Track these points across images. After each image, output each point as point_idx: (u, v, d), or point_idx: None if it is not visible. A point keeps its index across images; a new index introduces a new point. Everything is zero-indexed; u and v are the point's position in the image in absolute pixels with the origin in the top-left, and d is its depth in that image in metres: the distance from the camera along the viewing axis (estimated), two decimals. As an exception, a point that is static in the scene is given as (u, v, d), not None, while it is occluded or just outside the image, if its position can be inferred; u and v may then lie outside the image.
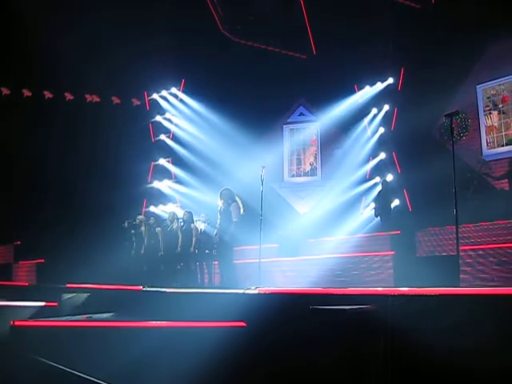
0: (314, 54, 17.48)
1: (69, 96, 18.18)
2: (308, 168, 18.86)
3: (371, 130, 16.86)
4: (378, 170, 16.33)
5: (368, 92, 17.03)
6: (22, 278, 15.69)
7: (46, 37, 14.73)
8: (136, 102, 19.20)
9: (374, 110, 16.87)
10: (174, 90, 18.95)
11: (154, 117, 19.16)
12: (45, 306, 9.10)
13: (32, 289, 13.16)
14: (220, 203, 10.76)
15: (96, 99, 18.48)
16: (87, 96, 18.38)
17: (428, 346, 4.57)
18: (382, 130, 16.60)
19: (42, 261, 15.28)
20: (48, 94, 17.91)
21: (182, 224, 13.03)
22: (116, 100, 18.72)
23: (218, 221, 10.89)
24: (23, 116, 16.71)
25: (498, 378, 4.36)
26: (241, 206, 10.70)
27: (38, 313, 8.80)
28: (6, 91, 17.41)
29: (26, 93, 17.57)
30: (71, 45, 15.10)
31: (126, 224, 14.07)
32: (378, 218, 14.36)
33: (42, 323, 7.46)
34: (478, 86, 15.51)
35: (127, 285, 9.84)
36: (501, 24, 13.69)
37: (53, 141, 16.60)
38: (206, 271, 12.75)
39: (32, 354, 5.99)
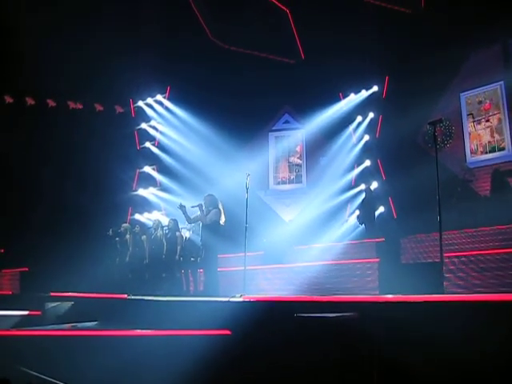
0: (302, 59, 17.50)
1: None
2: (293, 175, 18.89)
3: (356, 137, 16.92)
4: (363, 177, 16.36)
5: (353, 100, 17.10)
6: (6, 286, 15.56)
7: (33, 42, 14.76)
8: (121, 110, 19.13)
9: (359, 118, 16.93)
10: (159, 97, 18.92)
11: (139, 124, 19.10)
12: (28, 314, 9.05)
13: (15, 297, 13.08)
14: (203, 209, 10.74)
15: (81, 106, 18.40)
16: (72, 103, 18.29)
17: (412, 352, 4.59)
18: (366, 137, 16.67)
19: (26, 269, 15.16)
20: (31, 101, 17.84)
21: (166, 232, 12.99)
22: (101, 107, 18.65)
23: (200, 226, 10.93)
24: (9, 122, 16.60)
25: (481, 381, 4.39)
26: (222, 214, 10.65)
27: (22, 322, 8.74)
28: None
29: (8, 99, 17.48)
30: (57, 51, 15.04)
31: (111, 232, 14.01)
32: (363, 225, 14.41)
33: (25, 332, 7.41)
34: (461, 94, 15.66)
35: (112, 293, 9.80)
36: (484, 33, 13.83)
37: (39, 148, 16.50)
38: (191, 279, 12.71)
39: (15, 365, 5.93)
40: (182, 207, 10.76)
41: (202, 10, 17.58)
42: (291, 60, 17.73)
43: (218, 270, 11.17)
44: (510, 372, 4.32)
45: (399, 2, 15.42)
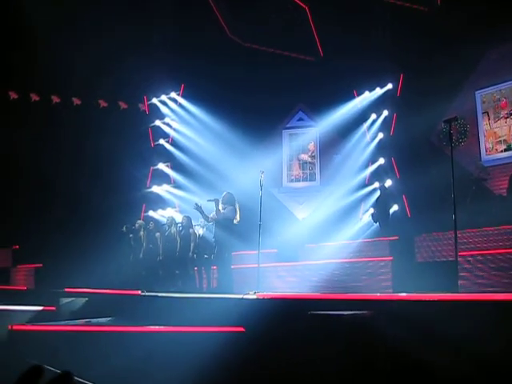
0: (321, 56, 17.45)
1: (76, 101, 18.22)
2: (307, 173, 18.86)
3: (370, 135, 16.85)
4: (377, 175, 16.30)
5: (367, 97, 17.01)
6: (21, 282, 15.66)
7: (49, 42, 14.88)
8: (136, 107, 19.18)
9: (373, 116, 16.84)
10: (173, 94, 18.93)
11: (153, 121, 19.13)
12: (43, 310, 9.09)
13: (30, 293, 13.15)
14: (220, 207, 10.72)
15: (99, 104, 18.48)
16: (89, 101, 18.38)
17: (426, 350, 4.57)
18: (381, 135, 16.59)
19: (41, 265, 15.25)
20: (56, 99, 17.97)
21: (180, 229, 13.02)
22: (116, 104, 18.72)
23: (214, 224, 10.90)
24: (23, 120, 16.71)
25: (495, 380, 4.36)
26: (237, 213, 10.63)
27: (36, 317, 8.78)
28: (13, 95, 17.46)
29: (34, 97, 17.63)
30: (70, 48, 15.11)
31: (125, 229, 14.07)
32: (377, 223, 14.35)
33: (40, 327, 7.45)
34: (476, 92, 15.55)
35: (126, 289, 9.84)
36: (499, 31, 13.74)
37: (53, 145, 16.60)
38: (204, 276, 12.74)
39: (30, 359, 5.97)
40: (198, 207, 10.71)
41: (220, 7, 17.58)
42: (310, 58, 17.67)
43: (232, 267, 11.20)
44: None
45: (415, 0, 15.36)
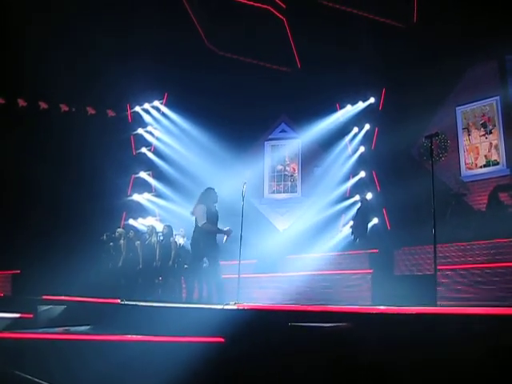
0: (299, 68, 17.52)
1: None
2: (288, 185, 18.91)
3: (352, 148, 16.95)
4: (358, 188, 16.40)
5: (349, 111, 17.14)
6: (-3, 288, 15.50)
7: (30, 46, 14.81)
8: (118, 115, 19.11)
9: (355, 129, 16.97)
10: (156, 103, 18.93)
11: (135, 129, 19.09)
12: (20, 317, 8.99)
13: (7, 300, 13.01)
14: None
15: (77, 111, 18.39)
16: (68, 107, 18.28)
17: (404, 363, 4.61)
18: (362, 148, 16.70)
19: (18, 271, 15.10)
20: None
21: (161, 238, 12.98)
22: (97, 112, 18.64)
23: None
24: (6, 126, 16.58)
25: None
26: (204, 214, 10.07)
27: (13, 324, 8.68)
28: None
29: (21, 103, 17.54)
30: (55, 55, 15.05)
31: (105, 236, 13.99)
32: (353, 235, 14.41)
33: (16, 335, 7.37)
34: (457, 108, 15.73)
35: (105, 298, 9.78)
36: (481, 47, 13.92)
37: (33, 152, 16.47)
38: (184, 286, 12.69)
39: (6, 367, 5.91)
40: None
41: (199, 18, 17.60)
42: (287, 69, 17.74)
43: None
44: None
45: (392, 16, 15.51)
